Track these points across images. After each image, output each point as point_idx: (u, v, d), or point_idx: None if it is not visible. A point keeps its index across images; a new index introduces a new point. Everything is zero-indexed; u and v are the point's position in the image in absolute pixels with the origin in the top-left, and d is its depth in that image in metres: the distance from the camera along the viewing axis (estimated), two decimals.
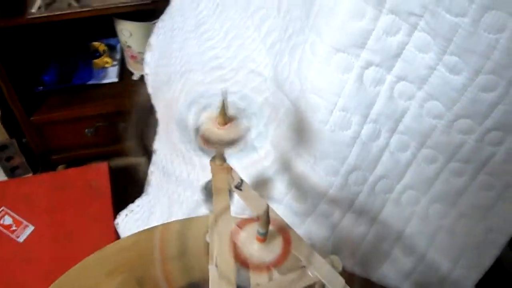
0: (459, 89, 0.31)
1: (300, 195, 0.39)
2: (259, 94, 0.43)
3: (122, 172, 1.08)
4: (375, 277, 0.39)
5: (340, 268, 0.29)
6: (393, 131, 0.35)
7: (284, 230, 0.28)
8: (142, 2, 0.90)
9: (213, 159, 0.32)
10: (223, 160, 0.32)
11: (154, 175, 0.91)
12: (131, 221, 0.93)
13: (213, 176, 0.32)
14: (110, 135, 1.07)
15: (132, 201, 0.94)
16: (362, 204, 0.38)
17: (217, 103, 0.30)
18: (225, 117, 0.29)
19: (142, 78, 1.02)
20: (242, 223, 0.28)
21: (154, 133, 0.97)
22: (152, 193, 0.90)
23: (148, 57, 0.79)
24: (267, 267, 0.27)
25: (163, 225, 0.45)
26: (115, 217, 0.95)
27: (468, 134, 0.34)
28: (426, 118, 0.34)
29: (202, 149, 0.30)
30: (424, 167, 0.36)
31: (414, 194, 0.38)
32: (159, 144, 0.89)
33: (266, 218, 0.25)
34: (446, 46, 0.30)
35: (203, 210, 0.51)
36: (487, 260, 0.37)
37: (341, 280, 0.28)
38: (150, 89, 0.83)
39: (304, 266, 0.28)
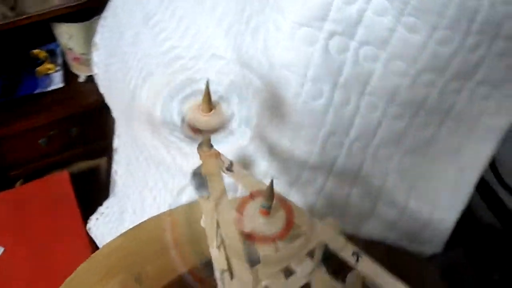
0: (419, 47, 0.33)
1: (283, 168, 0.40)
2: (224, 76, 0.44)
3: (83, 177, 1.07)
4: (363, 232, 0.41)
5: (339, 229, 0.31)
6: (361, 94, 0.37)
7: (284, 202, 0.29)
8: (78, 3, 0.88)
9: (200, 146, 0.33)
10: (210, 146, 0.33)
11: (119, 174, 0.90)
12: (103, 224, 0.92)
13: (203, 162, 0.33)
14: (65, 141, 1.05)
15: (100, 204, 0.93)
16: (342, 167, 0.40)
17: (197, 92, 0.30)
18: (209, 104, 0.30)
19: (88, 79, 1.01)
20: (243, 202, 0.29)
21: (111, 132, 0.95)
22: (120, 192, 0.89)
23: (95, 56, 0.78)
24: (273, 239, 0.29)
25: (169, 211, 0.46)
26: (85, 224, 0.94)
27: (431, 87, 0.36)
28: (391, 77, 0.36)
29: (189, 137, 0.31)
30: (394, 124, 0.38)
31: (388, 150, 0.40)
32: (119, 142, 0.88)
33: (270, 191, 0.27)
34: (403, 9, 0.32)
35: (184, 198, 0.52)
36: (463, 199, 0.40)
37: (342, 240, 0.30)
38: (102, 89, 0.81)
39: (305, 233, 0.30)
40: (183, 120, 0.29)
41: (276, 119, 0.39)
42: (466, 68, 0.35)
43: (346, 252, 0.30)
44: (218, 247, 0.36)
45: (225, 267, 0.35)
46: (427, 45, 0.33)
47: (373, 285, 0.29)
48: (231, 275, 0.35)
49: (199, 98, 0.29)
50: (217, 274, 0.35)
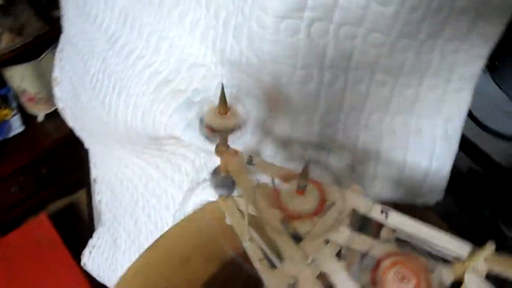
0: (392, 17, 0.37)
1: (288, 154, 0.43)
2: (210, 81, 0.46)
3: (63, 215, 1.06)
4: (371, 196, 0.44)
5: (363, 193, 0.34)
6: (347, 69, 0.40)
7: (312, 180, 0.32)
8: (24, 43, 0.87)
9: (217, 148, 0.35)
10: (227, 146, 0.35)
11: (104, 203, 0.90)
12: (97, 255, 0.92)
13: (225, 163, 0.35)
14: (37, 184, 1.04)
15: (87, 238, 0.93)
16: (341, 141, 0.43)
17: (210, 97, 0.33)
18: (225, 106, 0.32)
19: (47, 117, 1.00)
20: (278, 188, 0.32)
21: (85, 164, 0.95)
22: (109, 220, 0.89)
23: (58, 91, 0.77)
24: (311, 215, 0.32)
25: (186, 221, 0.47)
26: (76, 261, 0.93)
27: (407, 51, 0.40)
28: (371, 50, 0.39)
29: (208, 138, 0.33)
30: (380, 91, 0.42)
31: (378, 116, 0.44)
32: (97, 171, 0.87)
33: (306, 171, 0.29)
34: None
35: (191, 206, 0.54)
36: (454, 147, 0.44)
37: (368, 202, 0.33)
38: (70, 122, 0.81)
39: (337, 204, 0.33)
40: (201, 121, 0.31)
41: (273, 110, 0.41)
42: (435, 29, 0.39)
43: (375, 212, 0.33)
44: (250, 240, 0.38)
45: (262, 256, 0.38)
46: (399, 15, 0.37)
47: (406, 236, 0.32)
48: (269, 263, 0.37)
49: (214, 102, 0.31)
50: (256, 265, 0.37)
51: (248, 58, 0.41)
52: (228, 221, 0.40)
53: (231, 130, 0.33)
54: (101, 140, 0.73)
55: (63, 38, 0.73)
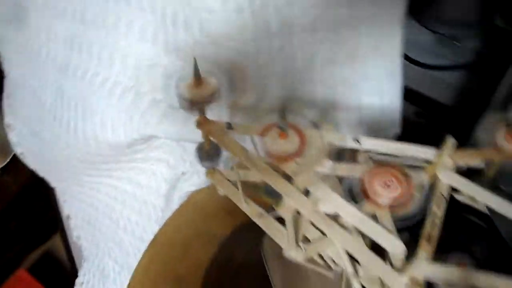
0: None
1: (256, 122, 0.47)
2: (171, 77, 0.50)
3: (43, 264, 1.05)
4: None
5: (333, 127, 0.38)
6: (292, 34, 0.45)
7: (291, 125, 0.36)
8: None
9: (197, 121, 0.39)
10: (206, 117, 0.39)
11: (83, 237, 0.90)
12: None
13: (205, 133, 0.39)
14: (8, 240, 1.02)
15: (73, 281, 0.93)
16: (301, 98, 0.48)
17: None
18: (199, 79, 0.36)
19: (3, 170, 0.99)
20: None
21: (53, 205, 0.95)
22: (91, 254, 0.90)
23: (14, 137, 0.78)
24: (296, 155, 0.36)
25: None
26: None
27: (342, 7, 0.45)
28: (310, 12, 0.44)
29: (187, 110, 0.36)
30: (324, 47, 0.47)
31: (329, 69, 0.49)
32: (69, 207, 0.88)
33: (282, 113, 0.34)
34: None
35: (176, 200, 0.56)
36: (399, 81, 0.50)
37: (340, 134, 0.38)
38: (33, 165, 0.82)
39: (316, 142, 0.37)
40: (180, 96, 0.35)
41: (235, 85, 0.46)
42: None
43: (349, 141, 0.38)
44: (246, 202, 0.42)
45: (261, 211, 0.41)
46: None
47: (380, 155, 0.37)
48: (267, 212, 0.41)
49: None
50: (257, 221, 0.41)
51: (203, 45, 0.45)
52: (220, 192, 0.43)
53: (208, 99, 0.36)
54: (69, 172, 0.74)
55: (7, 83, 0.74)
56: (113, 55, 0.54)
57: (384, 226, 0.34)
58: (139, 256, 0.71)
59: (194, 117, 0.38)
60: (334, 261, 0.41)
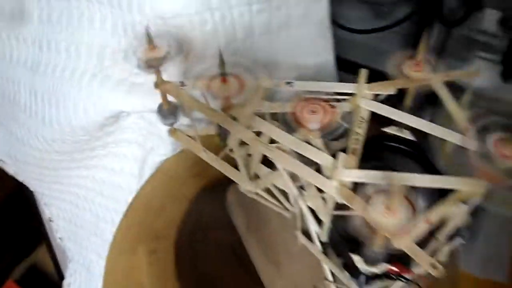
0: None
1: None
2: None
3: (31, 274, 1.10)
4: None
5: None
6: (230, 8, 0.53)
7: (232, 74, 0.44)
8: None
9: (155, 83, 0.46)
10: (162, 79, 0.47)
11: (66, 238, 0.95)
12: None
13: (163, 92, 0.47)
14: None
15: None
16: (245, 65, 0.56)
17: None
18: (153, 43, 0.44)
19: None
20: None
21: (35, 214, 1.01)
22: (76, 253, 0.94)
23: None
24: (233, 96, 0.44)
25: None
26: None
27: None
28: None
29: (144, 70, 0.44)
30: (261, 17, 0.55)
31: (267, 37, 0.57)
32: (50, 210, 0.93)
33: (221, 60, 0.42)
34: None
35: (147, 171, 0.63)
36: (330, 41, 0.59)
37: (274, 80, 0.46)
38: (12, 170, 0.88)
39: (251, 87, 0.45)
40: (138, 59, 0.43)
41: (186, 56, 0.53)
42: None
43: (282, 85, 0.46)
44: (205, 152, 0.50)
45: (217, 157, 0.49)
46: None
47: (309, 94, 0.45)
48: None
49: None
50: (215, 164, 0.49)
51: (156, 26, 0.53)
52: (184, 146, 0.51)
53: (161, 60, 0.44)
54: (48, 169, 0.80)
55: None
56: (79, 48, 0.62)
57: (315, 146, 0.42)
58: None
59: (154, 91, 0.46)
60: (289, 202, 0.49)
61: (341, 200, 0.39)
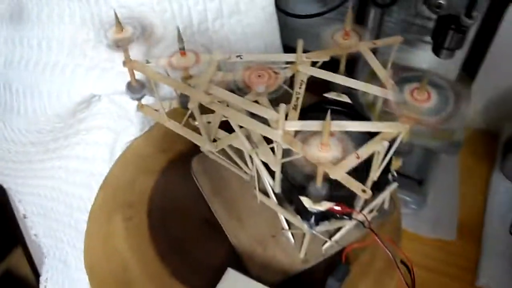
0: None
1: None
2: (99, 47, 0.66)
3: (7, 278, 1.13)
4: None
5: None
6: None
7: (189, 50, 0.53)
8: None
9: (124, 62, 0.55)
10: (130, 57, 0.55)
11: (41, 233, 1.00)
12: (53, 285, 1.01)
13: (130, 69, 0.55)
14: None
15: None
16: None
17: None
18: (120, 26, 0.52)
19: None
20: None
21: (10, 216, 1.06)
22: (51, 249, 0.99)
23: None
24: (191, 67, 0.52)
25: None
26: None
27: None
28: None
29: (114, 49, 0.52)
30: (211, 5, 0.64)
31: (218, 22, 0.66)
32: (24, 205, 0.99)
33: (179, 35, 0.50)
34: None
35: (117, 154, 0.71)
36: (276, 26, 0.68)
37: (227, 54, 0.55)
38: None
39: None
40: (107, 39, 0.51)
41: (148, 40, 0.62)
42: None
43: (233, 58, 0.54)
44: (170, 121, 0.58)
45: (180, 124, 0.57)
46: None
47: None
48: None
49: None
50: (181, 132, 0.57)
51: (121, 13, 0.61)
52: (152, 118, 0.59)
53: (127, 40, 0.53)
54: (23, 163, 0.86)
55: None
56: (50, 43, 0.70)
57: (263, 104, 0.51)
58: None
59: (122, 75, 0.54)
60: (247, 166, 0.58)
61: (285, 146, 0.47)
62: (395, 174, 0.55)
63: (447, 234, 0.81)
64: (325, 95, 0.58)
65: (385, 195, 0.54)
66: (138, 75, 0.54)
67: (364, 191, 0.45)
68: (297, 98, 0.50)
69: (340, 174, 0.43)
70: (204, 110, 0.51)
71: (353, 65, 0.60)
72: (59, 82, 0.65)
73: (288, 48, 0.74)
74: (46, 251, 1.01)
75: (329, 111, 0.42)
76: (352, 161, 0.44)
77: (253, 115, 0.50)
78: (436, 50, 0.73)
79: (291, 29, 0.73)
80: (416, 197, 0.85)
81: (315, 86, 0.54)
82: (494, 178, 0.82)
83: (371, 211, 0.54)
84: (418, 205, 0.85)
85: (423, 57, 0.84)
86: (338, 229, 0.56)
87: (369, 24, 0.74)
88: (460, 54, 0.74)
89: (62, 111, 0.67)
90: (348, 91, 0.56)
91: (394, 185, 0.55)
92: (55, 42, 0.67)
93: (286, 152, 0.48)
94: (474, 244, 0.76)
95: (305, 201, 0.48)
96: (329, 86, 0.55)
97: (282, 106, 0.47)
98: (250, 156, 0.54)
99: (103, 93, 0.65)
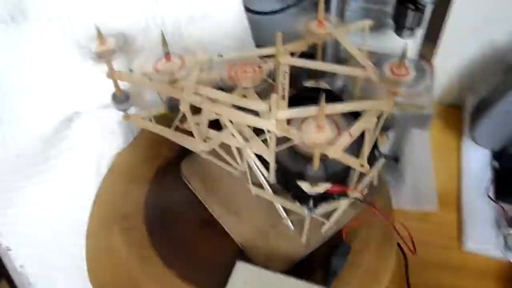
0: None
1: None
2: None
3: None
4: None
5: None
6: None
7: (174, 53, 0.55)
8: None
9: (107, 73, 0.56)
10: (113, 69, 0.56)
11: (27, 265, 0.98)
12: None
13: (115, 80, 0.56)
14: None
15: None
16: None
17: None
18: (102, 38, 0.54)
19: None
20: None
21: None
22: (37, 276, 0.97)
23: None
24: (177, 71, 0.54)
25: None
26: None
27: None
28: None
29: (97, 61, 0.53)
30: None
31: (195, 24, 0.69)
32: (8, 237, 0.96)
33: (164, 40, 0.52)
34: None
35: (103, 169, 0.72)
36: (246, 24, 0.71)
37: (214, 54, 0.57)
38: None
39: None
40: (90, 52, 0.52)
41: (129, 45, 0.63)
42: None
43: (214, 57, 0.57)
44: (159, 127, 0.60)
45: (170, 129, 0.59)
46: None
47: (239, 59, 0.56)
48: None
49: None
50: (169, 136, 0.59)
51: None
52: (140, 127, 0.60)
53: (110, 52, 0.54)
54: (3, 192, 0.85)
55: None
56: (24, 66, 0.70)
57: (251, 99, 0.53)
58: (82, 251, 0.83)
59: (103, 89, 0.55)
60: (236, 162, 0.60)
61: (280, 134, 0.50)
62: (381, 150, 0.58)
63: (429, 206, 0.85)
64: (305, 84, 0.61)
65: (375, 170, 0.57)
66: (122, 86, 0.56)
67: (362, 165, 0.48)
68: (284, 89, 0.53)
69: (337, 153, 0.46)
70: (192, 112, 0.53)
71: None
72: (38, 102, 0.65)
73: (257, 47, 0.77)
74: (33, 281, 0.98)
75: (323, 95, 0.44)
76: (346, 140, 0.47)
77: (241, 111, 0.52)
78: (398, 31, 0.78)
79: (257, 29, 0.76)
80: (394, 175, 0.89)
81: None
82: (464, 148, 0.87)
83: (363, 188, 0.57)
84: (397, 181, 0.89)
85: (383, 40, 0.88)
86: (333, 211, 0.59)
87: (331, 14, 0.77)
88: (420, 33, 0.79)
89: (43, 131, 0.68)
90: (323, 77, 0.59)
91: (382, 160, 0.58)
92: (30, 65, 0.67)
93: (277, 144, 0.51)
94: (456, 212, 0.80)
95: (304, 185, 0.50)
96: (298, 77, 0.58)
97: (274, 96, 0.49)
98: (240, 152, 0.57)
99: (84, 110, 0.65)
